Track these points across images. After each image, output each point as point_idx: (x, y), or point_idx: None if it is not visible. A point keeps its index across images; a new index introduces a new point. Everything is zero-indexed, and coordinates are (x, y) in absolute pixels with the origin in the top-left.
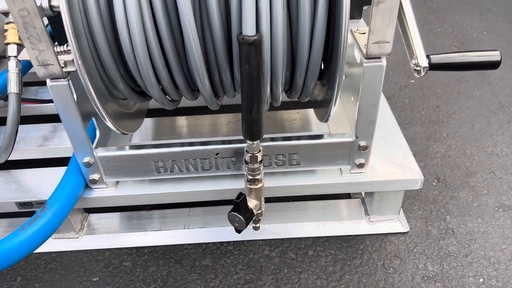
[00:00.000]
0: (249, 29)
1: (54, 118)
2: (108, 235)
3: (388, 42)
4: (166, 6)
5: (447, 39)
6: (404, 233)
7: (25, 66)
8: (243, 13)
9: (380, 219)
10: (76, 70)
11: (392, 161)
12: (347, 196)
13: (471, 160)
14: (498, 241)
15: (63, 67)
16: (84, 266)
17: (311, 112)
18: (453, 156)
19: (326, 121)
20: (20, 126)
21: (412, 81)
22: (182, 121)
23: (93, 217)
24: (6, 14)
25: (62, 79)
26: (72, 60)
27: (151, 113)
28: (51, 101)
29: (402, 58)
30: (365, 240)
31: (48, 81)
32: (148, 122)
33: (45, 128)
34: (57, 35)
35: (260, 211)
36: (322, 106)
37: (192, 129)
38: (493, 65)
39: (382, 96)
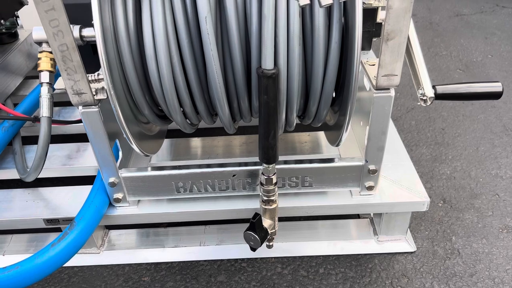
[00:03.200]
0: (268, 64)
1: (77, 138)
2: (127, 251)
3: (397, 75)
4: (191, 40)
5: (452, 62)
6: (411, 252)
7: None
8: (262, 49)
9: (388, 239)
10: (107, 97)
11: (400, 184)
12: (356, 215)
13: (476, 182)
14: (502, 262)
15: (94, 95)
16: (105, 281)
17: (321, 134)
18: (458, 178)
19: (338, 145)
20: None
21: (419, 103)
22: (198, 142)
23: (113, 233)
24: (40, 43)
25: (93, 106)
26: (102, 88)
27: (169, 133)
28: (75, 121)
29: (408, 81)
30: (373, 259)
31: (80, 107)
32: (166, 143)
33: (69, 147)
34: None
35: (274, 230)
36: (333, 130)
37: (208, 150)
38: (495, 95)
39: (390, 119)
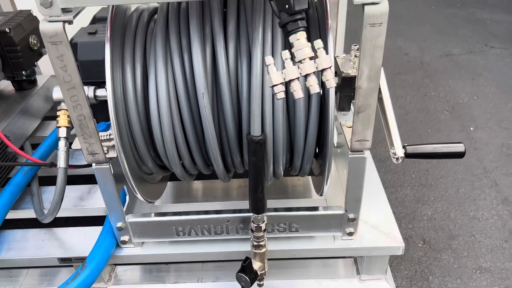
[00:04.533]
0: (255, 131)
1: (88, 178)
2: (132, 286)
3: (368, 140)
4: (191, 107)
5: (440, 103)
6: None
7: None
8: (251, 118)
9: (369, 278)
10: (117, 156)
11: (378, 229)
12: None
13: (454, 224)
14: None
15: (106, 153)
16: None
17: (310, 179)
18: (438, 219)
19: (321, 195)
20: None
21: (405, 143)
22: (198, 185)
23: (119, 269)
24: (59, 102)
25: (105, 164)
26: (113, 146)
27: (172, 175)
28: (86, 166)
29: (397, 122)
30: None
31: (93, 164)
32: (169, 185)
33: (81, 189)
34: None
35: (263, 271)
36: (319, 179)
37: (207, 193)
38: (458, 155)
39: (372, 165)
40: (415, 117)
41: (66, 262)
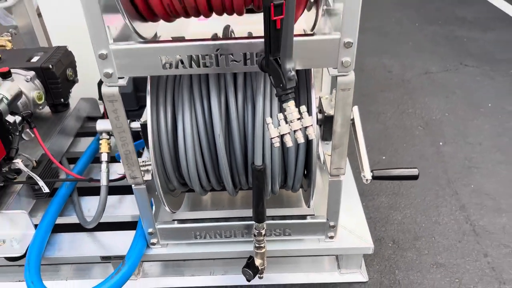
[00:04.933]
0: (258, 162)
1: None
2: (157, 278)
3: (342, 168)
4: (209, 143)
5: (416, 120)
6: (364, 282)
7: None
8: (254, 152)
9: (347, 271)
10: (152, 179)
11: (354, 234)
12: None
13: (419, 227)
14: None
15: (143, 177)
16: None
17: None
18: (406, 223)
19: (308, 206)
20: (94, 197)
21: (384, 157)
22: (208, 196)
23: (146, 264)
24: (101, 133)
25: (142, 184)
26: (148, 170)
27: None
28: (119, 179)
29: (377, 137)
30: (336, 287)
31: (133, 186)
32: (186, 195)
33: (113, 199)
34: None
35: (263, 267)
36: (307, 193)
37: (216, 202)
38: (413, 177)
39: (352, 180)
40: (393, 132)
41: (106, 259)
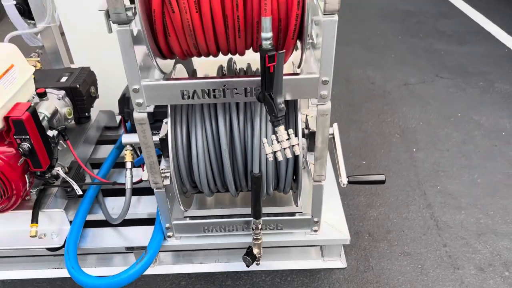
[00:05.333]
0: (255, 170)
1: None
2: (171, 266)
3: (323, 175)
4: (216, 155)
5: (393, 128)
6: (343, 268)
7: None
8: (253, 162)
9: (329, 259)
10: (170, 183)
11: (334, 228)
12: None
13: (391, 222)
14: (397, 274)
15: (163, 182)
16: (158, 284)
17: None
18: (381, 219)
19: (296, 205)
20: (116, 198)
21: (364, 162)
22: (214, 197)
23: (161, 254)
24: (125, 145)
25: (162, 188)
26: (166, 176)
27: None
28: (138, 182)
29: (359, 143)
30: (320, 271)
31: (155, 189)
32: (195, 196)
33: (132, 199)
34: None
35: (260, 255)
36: (296, 194)
37: (219, 201)
38: (381, 182)
39: (334, 182)
40: (373, 140)
41: (129, 250)
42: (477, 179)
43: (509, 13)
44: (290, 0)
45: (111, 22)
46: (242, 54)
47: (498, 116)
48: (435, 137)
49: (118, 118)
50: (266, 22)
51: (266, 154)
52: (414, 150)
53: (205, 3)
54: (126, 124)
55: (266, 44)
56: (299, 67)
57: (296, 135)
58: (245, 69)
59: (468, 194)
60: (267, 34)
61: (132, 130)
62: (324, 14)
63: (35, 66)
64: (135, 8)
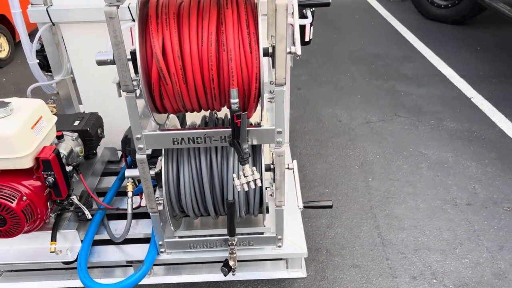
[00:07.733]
0: (230, 198)
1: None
2: (163, 277)
3: (282, 201)
4: (200, 187)
5: (354, 161)
6: (304, 278)
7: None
8: (228, 192)
9: (292, 270)
10: (163, 209)
11: (295, 244)
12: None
13: (346, 240)
14: (346, 283)
15: (157, 207)
16: None
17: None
18: (337, 237)
19: (264, 226)
20: (119, 221)
21: (327, 190)
22: (199, 219)
23: (155, 267)
24: (128, 177)
25: (157, 212)
26: (160, 203)
27: None
28: (137, 207)
29: (324, 174)
30: (285, 280)
31: (151, 213)
32: (183, 219)
33: (132, 222)
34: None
35: (235, 267)
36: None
37: (204, 223)
38: (329, 207)
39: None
40: (336, 171)
41: (129, 263)
42: (419, 204)
43: (464, 58)
44: (251, 76)
45: (121, 90)
46: (219, 110)
47: (443, 151)
48: (388, 168)
49: (119, 153)
50: (234, 92)
51: (236, 186)
52: (370, 179)
53: (190, 78)
54: (127, 159)
55: (234, 106)
56: (261, 120)
57: (260, 171)
58: (223, 118)
59: (410, 217)
60: (234, 100)
61: (132, 164)
62: (276, 86)
63: (52, 112)
64: (139, 80)
